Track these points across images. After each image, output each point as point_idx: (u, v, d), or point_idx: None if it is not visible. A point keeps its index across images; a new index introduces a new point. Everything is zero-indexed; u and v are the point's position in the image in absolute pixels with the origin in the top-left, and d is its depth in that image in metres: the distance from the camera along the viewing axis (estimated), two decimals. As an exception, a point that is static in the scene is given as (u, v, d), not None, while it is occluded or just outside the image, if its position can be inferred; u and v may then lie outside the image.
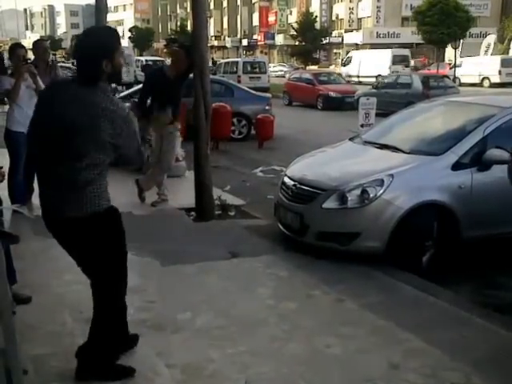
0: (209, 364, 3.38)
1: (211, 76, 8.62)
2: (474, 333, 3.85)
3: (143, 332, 3.73)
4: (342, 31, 63.09)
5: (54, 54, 32.29)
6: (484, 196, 5.26)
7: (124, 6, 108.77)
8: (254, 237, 5.85)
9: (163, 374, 3.29)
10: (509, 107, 5.68)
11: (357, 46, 61.78)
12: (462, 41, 37.68)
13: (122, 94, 14.54)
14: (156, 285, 4.58)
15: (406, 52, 40.98)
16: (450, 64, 36.74)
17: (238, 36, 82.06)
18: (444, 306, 4.29)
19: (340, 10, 64.15)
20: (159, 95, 6.77)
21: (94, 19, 11.04)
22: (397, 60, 39.41)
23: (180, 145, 8.59)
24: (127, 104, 9.87)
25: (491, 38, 41.96)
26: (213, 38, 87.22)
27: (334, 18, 65.57)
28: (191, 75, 6.47)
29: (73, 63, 32.71)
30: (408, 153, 5.63)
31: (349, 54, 46.16)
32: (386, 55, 39.91)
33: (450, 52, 37.60)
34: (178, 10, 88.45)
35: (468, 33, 37.54)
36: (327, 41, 55.65)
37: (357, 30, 61.23)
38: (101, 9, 10.63)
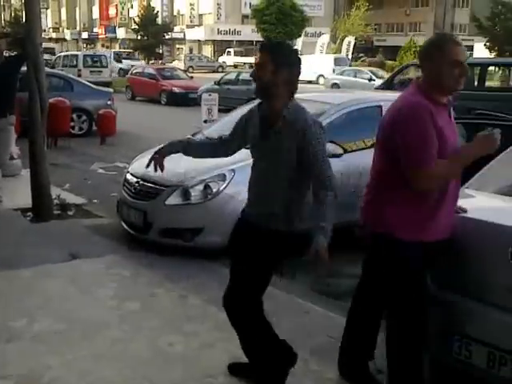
0: (46, 372, 3.21)
1: (48, 69, 8.19)
2: (312, 320, 4.03)
3: (-28, 345, 3.46)
4: (184, 27, 63.18)
5: None
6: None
7: None
8: (95, 236, 5.65)
9: (-4, 387, 3.07)
10: (339, 104, 6.05)
11: (199, 42, 62.27)
12: (300, 39, 39.48)
13: None
14: (-13, 293, 4.25)
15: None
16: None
17: (78, 28, 78.94)
18: (284, 295, 4.44)
19: (181, 5, 64.15)
20: None
21: None
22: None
23: (14, 142, 8.06)
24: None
25: (325, 38, 44.39)
26: (50, 30, 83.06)
27: (175, 13, 65.45)
28: (24, 68, 6.15)
29: None
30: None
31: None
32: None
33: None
34: (12, 0, 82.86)
35: (304, 32, 39.47)
36: (169, 36, 55.44)
37: (198, 25, 61.64)
38: None
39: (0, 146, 6.44)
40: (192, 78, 26.36)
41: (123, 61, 40.93)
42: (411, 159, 2.63)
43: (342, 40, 44.11)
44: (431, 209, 2.72)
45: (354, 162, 5.85)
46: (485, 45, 39.34)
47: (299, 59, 2.90)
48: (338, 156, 5.56)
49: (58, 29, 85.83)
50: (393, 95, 8.43)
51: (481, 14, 40.14)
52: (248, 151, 5.63)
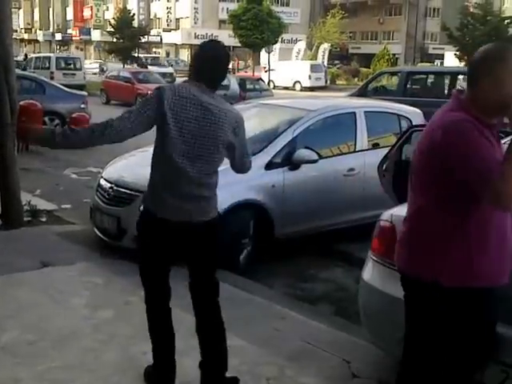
0: (15, 384, 3.13)
1: (20, 71, 8.05)
2: (288, 326, 4.02)
3: None
4: (161, 30, 62.93)
5: None
6: (295, 194, 5.54)
7: None
8: (67, 243, 5.55)
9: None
10: (314, 110, 6.06)
11: (176, 46, 62.09)
12: (277, 46, 39.64)
13: None
14: (-47, 302, 4.14)
15: None
16: (265, 67, 38.48)
17: (51, 30, 78.02)
18: (260, 301, 4.43)
19: (158, 8, 63.87)
20: None
21: None
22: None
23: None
24: None
25: (301, 45, 44.67)
26: (23, 31, 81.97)
27: (152, 17, 65.14)
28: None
29: None
30: (224, 153, 5.73)
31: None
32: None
33: (265, 56, 39.36)
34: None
35: (281, 38, 39.61)
36: (146, 39, 55.15)
37: (175, 29, 61.46)
38: None
39: None
40: (174, 80, 26.22)
41: (149, 67, 36.82)
42: (476, 173, 2.16)
43: (318, 47, 44.41)
44: (483, 248, 2.33)
45: (329, 167, 5.88)
46: (455, 54, 40.02)
47: (198, 52, 2.97)
48: (313, 161, 5.58)
49: (31, 30, 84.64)
50: (366, 102, 8.52)
51: (451, 23, 40.82)
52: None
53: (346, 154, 6.16)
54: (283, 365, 3.47)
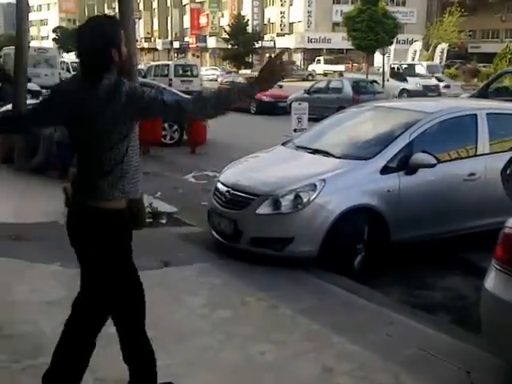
0: (139, 377, 3.29)
1: (140, 79, 8.43)
2: (403, 333, 3.95)
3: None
4: (274, 35, 63.66)
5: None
6: (411, 199, 5.40)
7: (48, 4, 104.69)
8: (186, 244, 5.75)
9: (92, 388, 3.18)
10: (433, 112, 5.88)
11: (289, 51, 62.58)
12: (392, 47, 38.77)
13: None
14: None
15: None
16: (379, 70, 37.71)
17: (169, 38, 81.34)
18: (374, 307, 4.38)
19: (272, 13, 64.71)
20: None
21: (16, 19, 10.59)
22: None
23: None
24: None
25: (417, 45, 43.40)
26: (143, 40, 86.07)
27: (265, 22, 66.09)
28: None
29: None
30: (339, 157, 5.72)
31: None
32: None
33: (379, 57, 38.62)
34: (106, 10, 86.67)
35: (396, 39, 38.76)
36: (259, 45, 56.04)
37: (289, 34, 61.97)
38: (22, 8, 10.19)
39: None
40: (281, 86, 26.45)
41: (408, 78, 29.31)
42: None
43: (435, 47, 42.96)
44: None
45: (448, 172, 5.68)
46: None
47: None
48: (431, 166, 5.42)
49: (150, 39, 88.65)
50: (488, 103, 8.13)
51: None
52: (337, 161, 5.64)
53: (466, 157, 5.92)
54: (399, 371, 3.41)
